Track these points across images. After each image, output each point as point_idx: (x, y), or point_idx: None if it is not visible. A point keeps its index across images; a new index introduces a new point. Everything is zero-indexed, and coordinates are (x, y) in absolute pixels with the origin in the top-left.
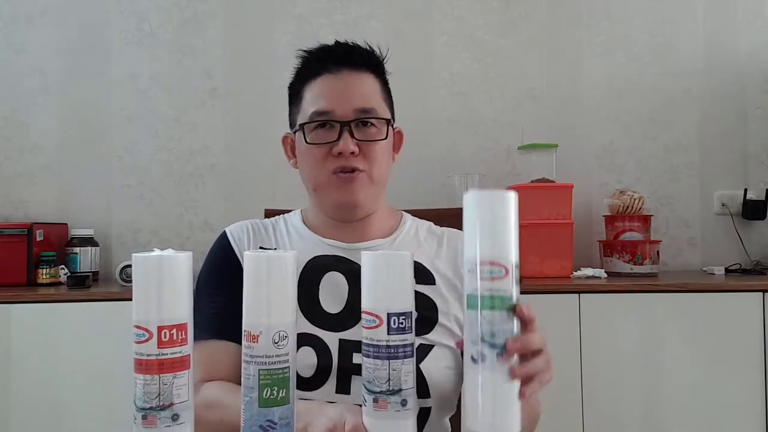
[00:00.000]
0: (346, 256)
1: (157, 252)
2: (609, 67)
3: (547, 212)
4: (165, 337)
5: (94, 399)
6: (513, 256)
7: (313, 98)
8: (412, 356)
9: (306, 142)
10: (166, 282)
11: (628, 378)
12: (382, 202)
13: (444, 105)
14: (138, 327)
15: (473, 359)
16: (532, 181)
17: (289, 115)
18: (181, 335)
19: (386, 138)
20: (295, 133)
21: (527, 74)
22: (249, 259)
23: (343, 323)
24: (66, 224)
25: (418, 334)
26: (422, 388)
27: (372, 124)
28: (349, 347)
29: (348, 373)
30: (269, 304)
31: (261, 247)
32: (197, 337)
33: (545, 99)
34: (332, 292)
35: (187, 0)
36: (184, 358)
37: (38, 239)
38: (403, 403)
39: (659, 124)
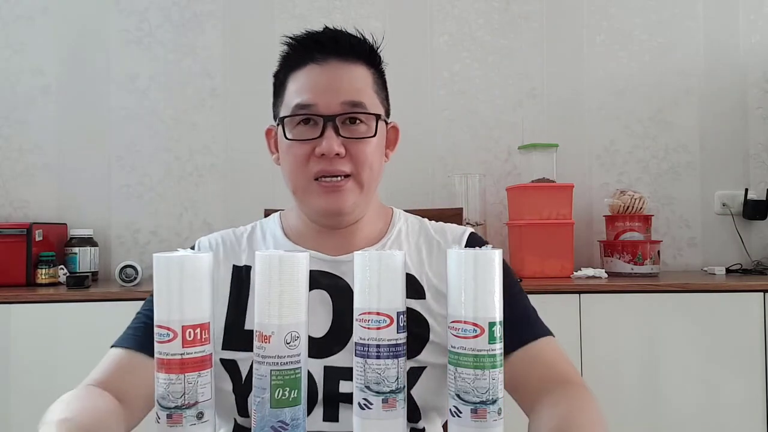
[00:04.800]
0: (330, 271)
1: (180, 252)
2: (609, 67)
3: (547, 212)
4: (189, 337)
5: None
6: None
7: (297, 90)
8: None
9: (286, 138)
10: (190, 282)
11: (629, 378)
12: (372, 204)
13: (444, 105)
14: (161, 327)
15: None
16: (532, 181)
17: (273, 106)
18: (204, 334)
19: (375, 135)
20: (277, 126)
21: (527, 74)
22: (260, 259)
23: (328, 348)
24: (65, 224)
25: (409, 356)
26: (414, 413)
27: (360, 120)
28: (335, 374)
29: (335, 400)
30: (281, 304)
31: (234, 266)
32: (120, 343)
33: (545, 99)
34: (316, 314)
35: (187, 0)
36: (206, 357)
37: (37, 239)
38: (402, 399)
39: (659, 124)
